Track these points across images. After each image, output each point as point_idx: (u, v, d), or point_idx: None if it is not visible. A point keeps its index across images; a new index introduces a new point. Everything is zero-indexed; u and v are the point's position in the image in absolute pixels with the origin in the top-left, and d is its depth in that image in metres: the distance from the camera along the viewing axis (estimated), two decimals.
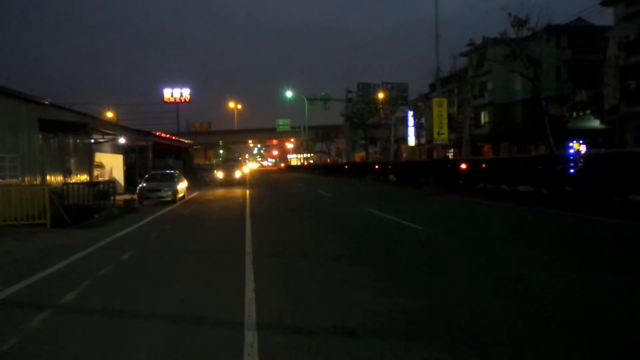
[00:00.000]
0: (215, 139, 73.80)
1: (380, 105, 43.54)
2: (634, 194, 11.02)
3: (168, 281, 6.13)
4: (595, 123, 32.11)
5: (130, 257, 7.74)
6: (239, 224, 11.44)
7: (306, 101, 52.03)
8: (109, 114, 58.86)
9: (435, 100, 22.91)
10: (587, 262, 6.48)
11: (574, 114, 33.79)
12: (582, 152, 20.18)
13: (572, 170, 14.23)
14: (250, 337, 3.99)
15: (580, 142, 29.78)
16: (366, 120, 44.34)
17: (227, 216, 13.83)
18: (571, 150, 25.58)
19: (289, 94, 53.34)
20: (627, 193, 11.27)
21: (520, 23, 23.56)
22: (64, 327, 4.43)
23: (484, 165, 18.66)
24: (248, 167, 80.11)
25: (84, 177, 19.87)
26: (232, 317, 4.54)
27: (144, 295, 5.47)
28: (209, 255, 8.01)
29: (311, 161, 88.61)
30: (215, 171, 37.13)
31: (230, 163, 42.46)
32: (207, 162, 49.78)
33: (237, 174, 34.22)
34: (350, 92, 45.60)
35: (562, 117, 33.25)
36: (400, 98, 43.29)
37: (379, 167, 34.48)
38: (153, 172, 23.19)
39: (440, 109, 21.98)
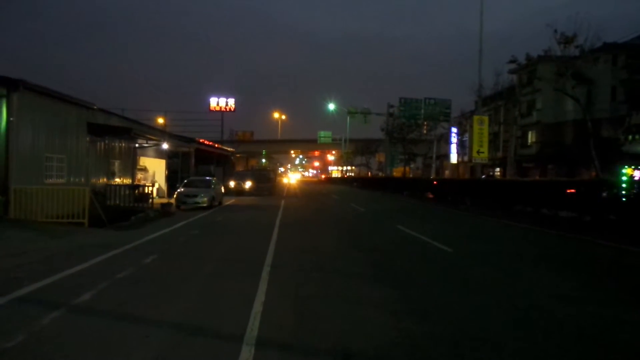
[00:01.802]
0: (257, 147, 75.08)
1: (422, 121, 42.81)
2: None
3: (180, 288, 6.19)
4: None
5: (152, 261, 7.90)
6: (266, 234, 11.48)
7: (348, 114, 52.07)
8: (160, 120, 61.33)
9: (475, 117, 22.25)
10: (627, 298, 5.97)
11: (630, 137, 31.79)
12: (636, 177, 18.87)
13: (623, 198, 13.36)
14: (246, 353, 3.92)
15: (634, 167, 27.93)
16: (406, 135, 43.68)
17: (256, 225, 13.92)
18: (624, 177, 24.02)
19: (331, 106, 53.66)
20: None
21: (567, 40, 22.52)
22: (69, 328, 4.53)
23: (522, 188, 17.84)
24: (288, 178, 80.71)
25: (127, 180, 20.68)
26: (234, 330, 4.49)
27: (153, 301, 5.53)
28: (229, 263, 8.05)
29: (351, 174, 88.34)
30: (233, 181, 32.23)
31: (259, 172, 38.23)
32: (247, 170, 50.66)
33: (264, 187, 30.89)
34: (391, 106, 45.21)
35: (616, 139, 31.35)
36: (442, 114, 42.41)
37: (416, 183, 33.83)
38: (191, 177, 23.83)
39: (481, 127, 21.30)
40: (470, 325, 4.74)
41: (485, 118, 23.09)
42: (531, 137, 41.65)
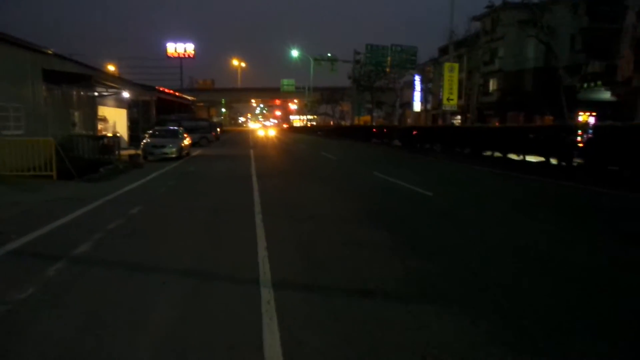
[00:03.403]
0: (218, 96, 72.80)
1: (388, 68, 42.55)
2: None
3: (179, 237, 6.14)
4: (606, 95, 31.47)
5: (139, 212, 7.73)
6: (246, 183, 11.42)
7: (312, 61, 50.97)
8: (110, 68, 57.82)
9: (447, 65, 22.37)
10: (596, 234, 6.47)
11: (585, 85, 33.10)
12: (592, 123, 19.86)
13: (579, 142, 14.07)
14: (267, 295, 4.00)
15: (589, 113, 29.35)
16: (374, 83, 43.43)
17: (233, 175, 13.78)
18: (580, 121, 25.25)
19: (294, 53, 52.17)
20: (639, 168, 11.16)
21: None
22: (79, 278, 4.44)
23: (490, 134, 18.43)
24: (247, 127, 78.46)
25: (88, 131, 19.67)
26: (247, 275, 4.54)
27: (157, 250, 5.48)
28: (219, 213, 7.99)
29: (314, 123, 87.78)
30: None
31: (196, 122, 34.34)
32: (214, 121, 49.34)
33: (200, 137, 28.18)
34: (358, 53, 44.54)
35: (572, 87, 32.56)
36: (408, 61, 42.29)
37: (385, 131, 34.15)
38: (158, 128, 23.00)
39: (451, 74, 21.49)
40: (471, 260, 5.02)
41: (456, 65, 23.28)
42: (492, 85, 42.51)
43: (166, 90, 37.76)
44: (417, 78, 47.68)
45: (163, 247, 5.59)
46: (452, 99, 22.02)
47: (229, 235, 6.24)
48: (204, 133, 32.68)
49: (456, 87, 22.06)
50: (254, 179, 12.39)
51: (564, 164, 13.76)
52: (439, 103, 42.41)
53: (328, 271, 4.68)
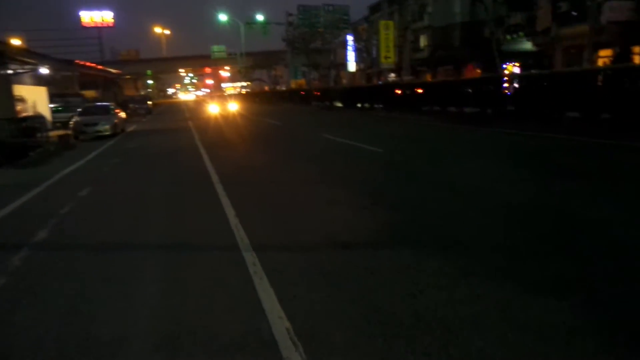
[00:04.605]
0: (144, 67, 68.61)
1: (322, 29, 42.13)
2: (570, 110, 11.93)
3: (143, 213, 5.99)
4: (528, 45, 33.34)
5: (91, 194, 7.38)
6: (194, 155, 11.16)
7: (242, 26, 49.16)
8: (16, 41, 52.32)
9: (382, 23, 22.57)
10: (534, 172, 7.11)
11: (509, 37, 34.78)
12: (517, 73, 21.13)
13: (507, 92, 15.01)
14: (251, 258, 4.08)
15: (513, 64, 31.05)
16: (309, 45, 42.89)
17: (179, 148, 13.33)
18: (506, 72, 26.72)
19: (223, 17, 49.92)
20: (564, 110, 12.17)
21: None
22: (48, 265, 4.26)
23: (430, 89, 19.10)
24: (178, 98, 74.58)
25: (5, 113, 17.95)
26: (224, 242, 4.58)
27: (123, 228, 5.33)
28: (177, 185, 7.81)
29: (248, 90, 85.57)
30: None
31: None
32: (142, 94, 46.65)
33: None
34: (290, 15, 43.52)
35: (497, 39, 34.08)
36: (342, 21, 42.07)
37: (325, 93, 34.19)
38: (87, 105, 21.52)
39: (387, 32, 21.74)
40: (433, 207, 5.38)
41: (391, 23, 23.53)
42: (423, 41, 43.47)
43: (87, 64, 35.07)
44: (351, 38, 47.57)
45: (128, 225, 5.44)
46: (389, 57, 22.41)
47: (195, 207, 6.17)
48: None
49: (392, 45, 22.44)
50: (202, 150, 12.09)
51: (497, 112, 14.67)
52: (373, 62, 42.83)
53: (303, 231, 4.82)
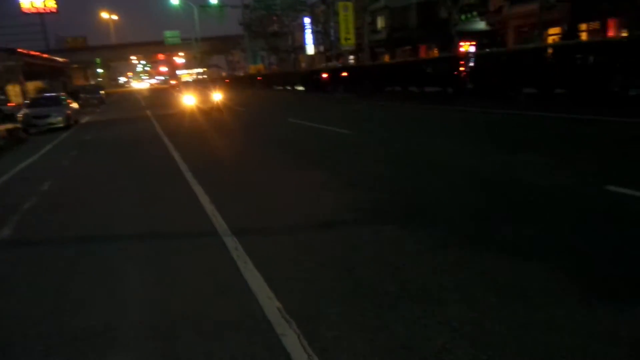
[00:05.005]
0: (93, 56, 65.33)
1: (279, 12, 41.47)
2: (526, 87, 12.41)
3: (114, 205, 5.82)
4: (481, 25, 34.21)
5: (52, 187, 7.09)
6: (158, 143, 10.88)
7: (195, 9, 47.67)
8: None
9: (341, 4, 22.47)
10: (498, 146, 7.40)
11: (463, 16, 35.50)
12: (474, 52, 21.66)
13: (464, 70, 15.40)
14: (232, 243, 4.07)
15: (469, 43, 31.82)
16: (267, 29, 42.13)
17: (140, 138, 12.93)
18: (462, 51, 27.31)
19: (174, 1, 48.14)
20: (520, 87, 12.64)
21: None
22: (26, 260, 4.10)
23: (391, 70, 19.31)
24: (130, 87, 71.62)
25: None
26: (201, 229, 4.54)
27: (94, 221, 5.17)
28: (145, 175, 7.61)
29: (205, 76, 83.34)
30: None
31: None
32: (93, 83, 44.57)
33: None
34: None
35: (452, 19, 34.73)
36: (299, 3, 41.53)
37: (285, 77, 33.86)
38: (35, 96, 20.39)
39: (346, 13, 21.68)
40: (407, 186, 5.52)
41: (350, 4, 23.45)
42: (380, 22, 43.68)
43: (32, 53, 33.08)
44: (308, 20, 47.10)
45: (99, 218, 5.29)
46: (349, 38, 22.42)
47: (167, 196, 6.05)
48: None
49: (352, 26, 22.44)
50: (166, 139, 11.77)
51: (457, 90, 15.06)
52: (332, 44, 42.70)
53: (283, 213, 4.85)
